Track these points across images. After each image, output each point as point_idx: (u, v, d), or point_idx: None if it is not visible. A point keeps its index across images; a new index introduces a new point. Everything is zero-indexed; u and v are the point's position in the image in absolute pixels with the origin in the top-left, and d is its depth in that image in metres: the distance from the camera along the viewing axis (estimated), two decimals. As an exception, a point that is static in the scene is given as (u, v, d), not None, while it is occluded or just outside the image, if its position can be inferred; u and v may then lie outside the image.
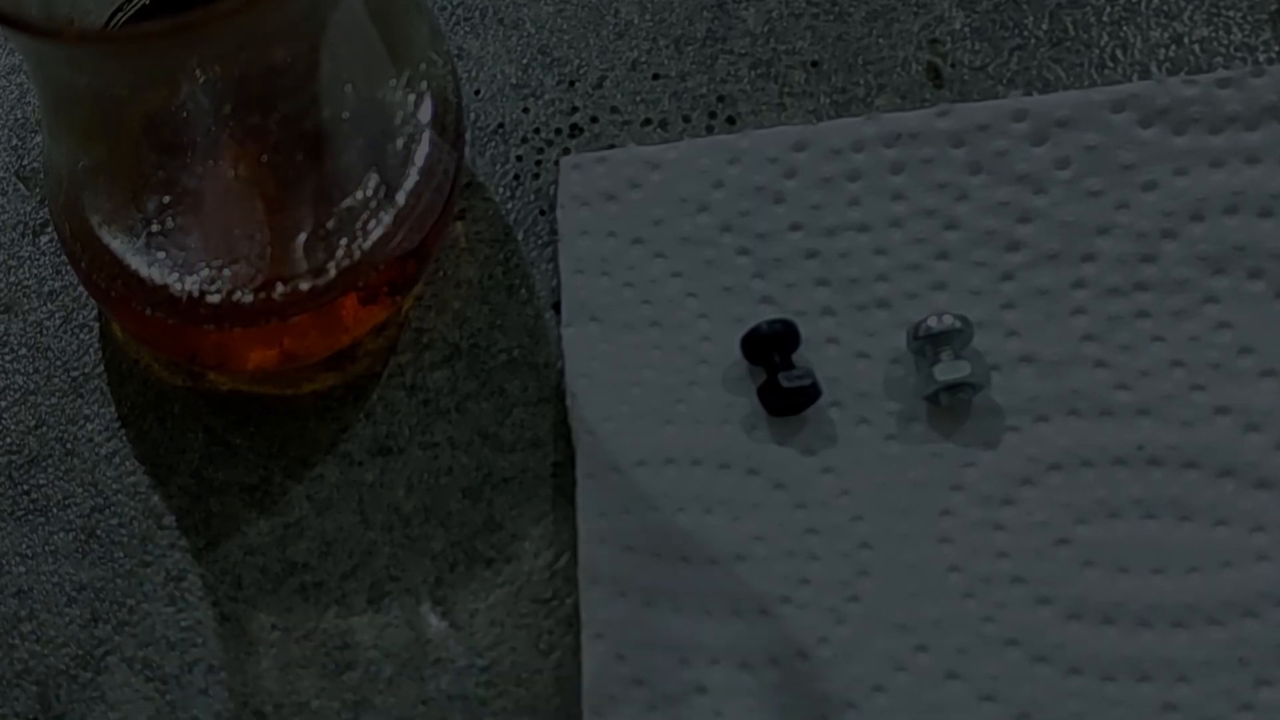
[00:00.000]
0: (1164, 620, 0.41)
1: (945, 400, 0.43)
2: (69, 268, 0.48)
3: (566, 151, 0.48)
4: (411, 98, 0.44)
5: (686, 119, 0.48)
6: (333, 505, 0.45)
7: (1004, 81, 0.47)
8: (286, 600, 0.45)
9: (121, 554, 0.46)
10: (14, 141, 0.50)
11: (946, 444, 0.43)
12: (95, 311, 0.48)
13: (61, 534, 0.46)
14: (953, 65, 0.47)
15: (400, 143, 0.44)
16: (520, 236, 0.47)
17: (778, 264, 0.45)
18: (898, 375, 0.44)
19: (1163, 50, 0.46)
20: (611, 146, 0.48)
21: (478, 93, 0.49)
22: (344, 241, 0.43)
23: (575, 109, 0.48)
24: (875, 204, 0.45)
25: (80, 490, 0.46)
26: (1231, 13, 0.46)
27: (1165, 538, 0.41)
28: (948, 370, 0.43)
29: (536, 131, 0.48)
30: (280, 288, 0.43)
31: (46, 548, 0.46)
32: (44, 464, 0.46)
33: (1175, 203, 0.44)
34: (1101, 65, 0.46)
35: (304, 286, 0.43)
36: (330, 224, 0.43)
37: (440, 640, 0.44)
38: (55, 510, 0.46)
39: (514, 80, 0.49)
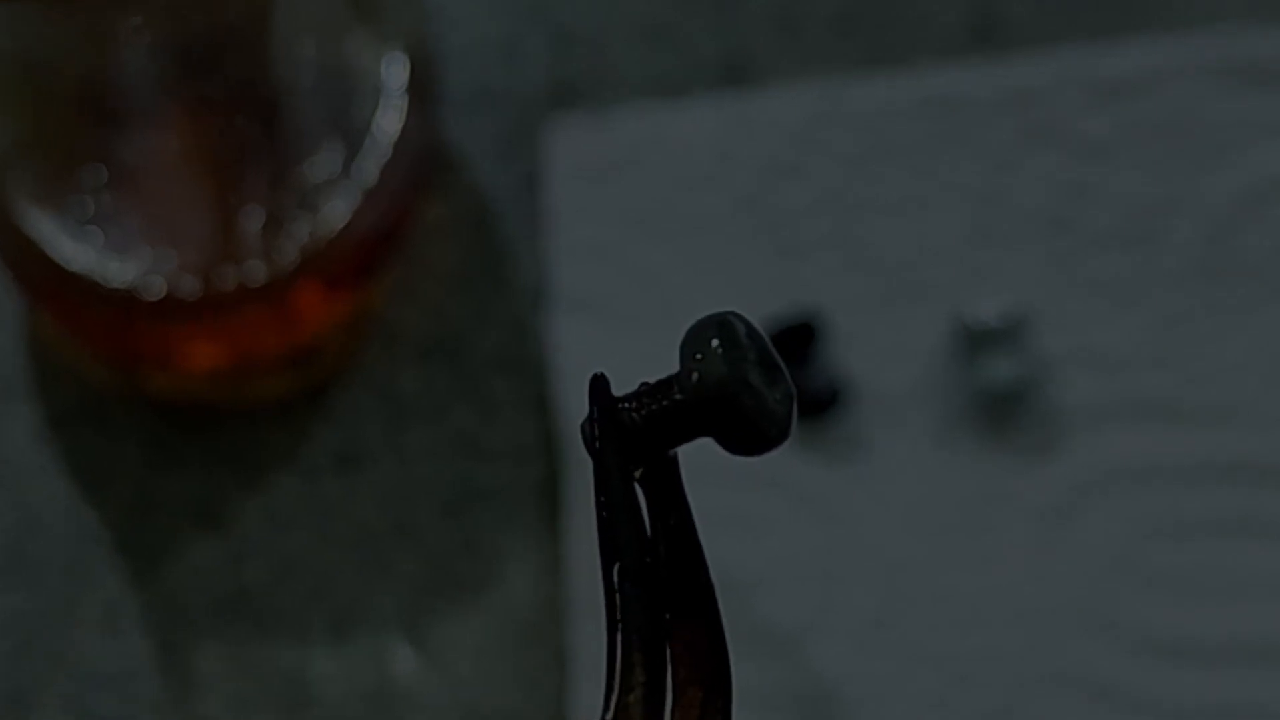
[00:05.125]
0: (1241, 655, 0.41)
1: (991, 404, 0.44)
2: (-10, 255, 0.48)
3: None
4: (379, 59, 0.44)
5: (695, 81, 0.48)
6: (291, 523, 0.46)
7: (1059, 35, 0.47)
8: (237, 632, 0.45)
9: (52, 579, 0.46)
10: (-69, 113, 0.52)
11: (992, 453, 0.43)
12: (19, 305, 0.48)
13: (-16, 556, 0.47)
14: (1000, 16, 0.48)
15: (367, 110, 0.44)
16: (504, 217, 0.48)
17: (799, 248, 0.45)
18: (937, 375, 0.44)
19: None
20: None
21: (455, 52, 0.49)
22: (303, 223, 0.44)
23: (568, 71, 0.49)
24: (910, 178, 0.46)
25: (5, 507, 0.46)
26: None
27: (1242, 560, 0.42)
28: (994, 370, 0.43)
29: (523, 97, 0.48)
30: (231, 276, 0.43)
31: (-33, 572, 0.46)
32: (-37, 478, 0.47)
33: (1255, 175, 0.44)
34: (1171, 12, 0.47)
35: (258, 274, 0.43)
36: (287, 203, 0.43)
37: (411, 677, 0.44)
38: (-23, 530, 0.47)
39: (497, 38, 0.49)
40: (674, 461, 0.27)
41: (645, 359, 0.45)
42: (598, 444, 0.25)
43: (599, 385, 0.26)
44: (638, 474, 0.26)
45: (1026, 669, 0.41)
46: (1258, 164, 0.44)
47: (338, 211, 0.44)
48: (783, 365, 0.27)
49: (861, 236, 0.45)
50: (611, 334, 0.45)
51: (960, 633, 0.42)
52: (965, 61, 0.47)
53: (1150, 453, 0.43)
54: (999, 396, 0.43)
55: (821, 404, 0.44)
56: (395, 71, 0.44)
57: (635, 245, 0.46)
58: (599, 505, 0.25)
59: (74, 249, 0.44)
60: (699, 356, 0.26)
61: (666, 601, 0.26)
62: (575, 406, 0.44)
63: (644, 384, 0.26)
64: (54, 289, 0.44)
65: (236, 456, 0.46)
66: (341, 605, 0.45)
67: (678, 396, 0.26)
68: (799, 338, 0.44)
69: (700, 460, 0.44)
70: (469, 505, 0.45)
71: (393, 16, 0.45)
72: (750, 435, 0.26)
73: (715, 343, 0.26)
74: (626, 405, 0.26)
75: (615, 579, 0.25)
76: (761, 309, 0.45)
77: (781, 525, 0.43)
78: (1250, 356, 0.43)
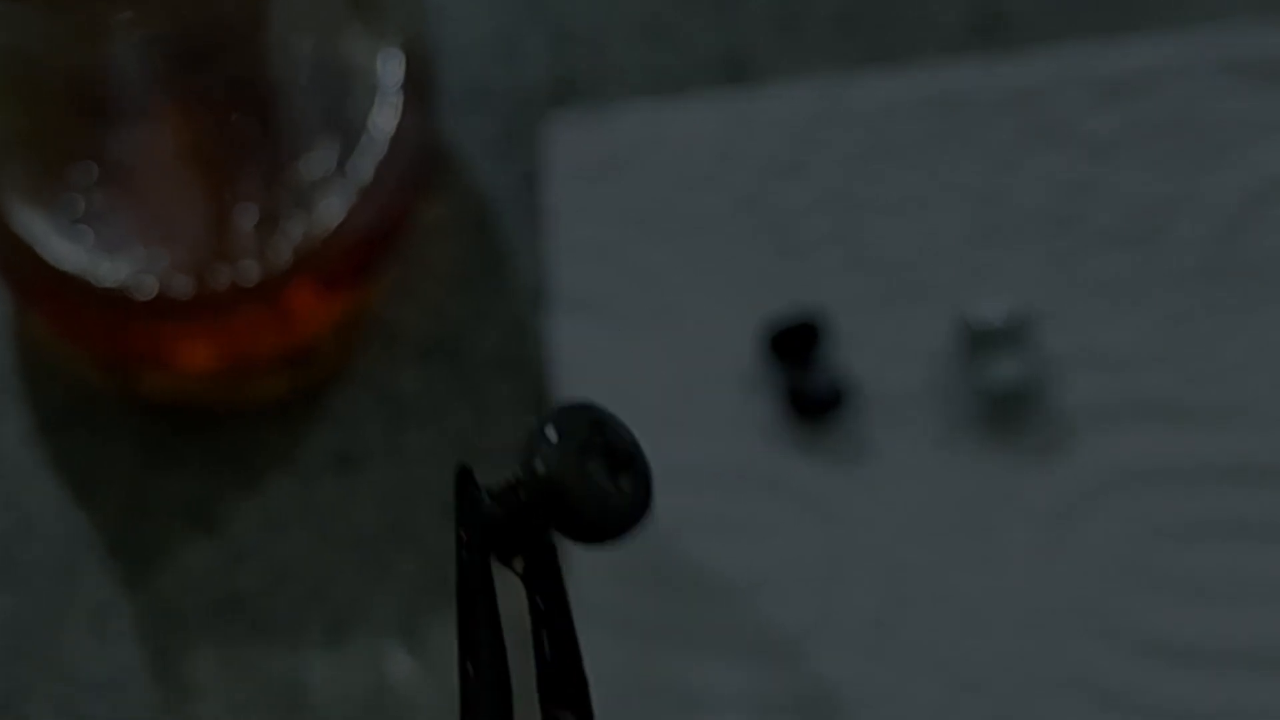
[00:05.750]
0: (1250, 659, 0.41)
1: (995, 405, 0.44)
2: (-21, 253, 0.49)
3: (557, 118, 0.48)
4: (376, 55, 0.44)
5: (696, 79, 0.48)
6: (287, 526, 0.46)
7: (1061, 33, 0.47)
8: (233, 636, 0.45)
9: (43, 581, 0.46)
10: (-81, 109, 0.52)
11: (996, 454, 0.43)
12: (10, 305, 0.48)
13: (-26, 559, 0.47)
14: (1002, 14, 0.47)
15: (363, 108, 0.44)
16: (503, 216, 0.48)
17: (800, 247, 0.45)
18: (940, 376, 0.44)
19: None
20: (609, 111, 0.48)
21: (453, 49, 0.49)
22: (298, 221, 0.43)
23: (567, 68, 0.49)
24: (913, 177, 0.45)
25: (-5, 509, 0.47)
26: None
27: (1250, 562, 0.42)
28: (998, 370, 0.43)
29: (522, 94, 0.48)
30: (225, 275, 0.43)
31: (-44, 575, 0.47)
32: (-48, 479, 0.47)
33: (1261, 174, 0.44)
34: (1175, 9, 0.47)
35: (252, 274, 0.43)
36: (282, 201, 0.43)
37: (409, 683, 0.44)
38: (-34, 532, 0.47)
39: (495, 34, 0.49)
40: (552, 552, 0.27)
41: (645, 360, 0.46)
42: (458, 533, 0.26)
43: (464, 478, 0.27)
44: (520, 567, 0.27)
45: (1032, 673, 0.41)
46: (1263, 162, 0.44)
47: (333, 210, 0.44)
48: (635, 449, 0.27)
49: (863, 236, 0.45)
50: (611, 334, 0.45)
51: (964, 636, 0.42)
52: (968, 59, 0.47)
53: (1156, 453, 0.43)
54: (1002, 397, 0.43)
55: (823, 405, 0.44)
56: (392, 68, 0.44)
57: (635, 245, 0.46)
58: (459, 593, 0.26)
59: (65, 248, 0.44)
60: (536, 452, 0.26)
61: (546, 690, 0.27)
62: None
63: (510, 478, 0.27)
64: (45, 289, 0.44)
65: (232, 458, 0.46)
66: (339, 609, 0.45)
67: (521, 495, 0.27)
68: (801, 338, 0.44)
69: (701, 462, 0.44)
70: (467, 508, 0.45)
71: (390, 12, 0.45)
72: (587, 529, 0.26)
73: (552, 436, 0.26)
74: (486, 500, 0.27)
75: (469, 667, 0.26)
76: (763, 309, 0.45)
77: (784, 527, 0.43)
78: (1256, 356, 0.43)
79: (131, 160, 0.44)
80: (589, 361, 0.45)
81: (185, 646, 0.45)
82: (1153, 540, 0.42)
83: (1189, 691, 0.41)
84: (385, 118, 0.44)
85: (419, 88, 0.45)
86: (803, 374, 0.44)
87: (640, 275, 0.46)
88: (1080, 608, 0.42)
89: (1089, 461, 0.43)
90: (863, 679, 0.42)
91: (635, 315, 0.45)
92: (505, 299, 0.47)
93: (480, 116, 0.48)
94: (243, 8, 0.41)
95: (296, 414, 0.46)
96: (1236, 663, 0.41)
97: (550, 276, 0.46)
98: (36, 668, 0.45)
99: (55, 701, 0.45)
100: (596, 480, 0.27)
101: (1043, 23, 0.47)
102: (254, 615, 0.45)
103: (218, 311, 0.43)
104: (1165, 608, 0.41)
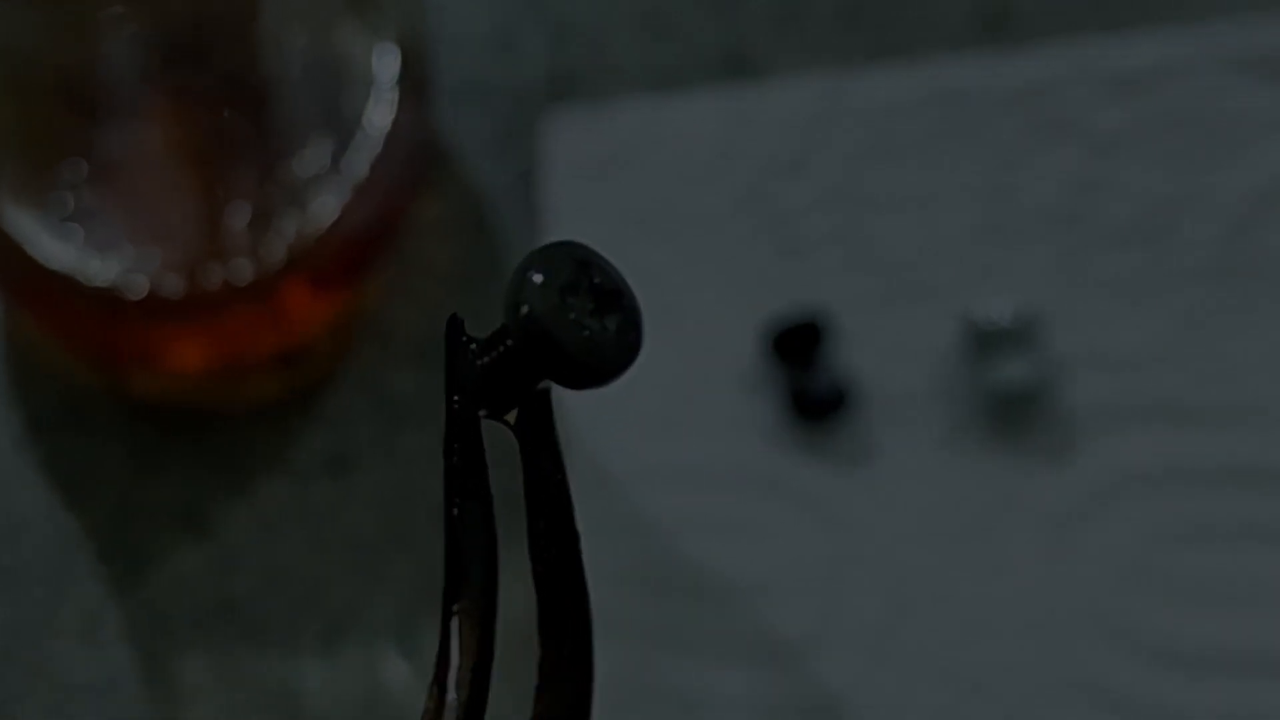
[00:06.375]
0: (1263, 665, 0.41)
1: (1002, 406, 0.44)
2: (-32, 252, 0.49)
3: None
4: (371, 50, 0.45)
5: (696, 74, 0.48)
6: (280, 530, 0.46)
7: (1070, 27, 0.47)
8: (224, 642, 0.45)
9: (33, 586, 0.46)
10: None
11: (1003, 457, 0.43)
12: None
13: (-38, 564, 0.47)
14: (1010, 8, 0.48)
15: (357, 103, 0.44)
16: (501, 214, 0.48)
17: (803, 246, 0.45)
18: (945, 377, 0.44)
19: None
20: (607, 108, 0.48)
21: (449, 43, 0.49)
22: (291, 219, 0.44)
23: (565, 63, 0.49)
24: (918, 174, 0.46)
25: (-17, 513, 0.47)
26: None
27: (1263, 567, 0.42)
28: (1005, 371, 0.43)
29: (519, 90, 0.49)
30: (216, 274, 0.43)
31: (-55, 579, 0.46)
32: (-59, 482, 0.47)
33: (1273, 170, 0.44)
34: (1186, 3, 0.47)
35: (244, 273, 0.43)
36: (275, 199, 0.44)
37: (405, 689, 0.44)
38: (-45, 536, 0.47)
39: (492, 28, 0.49)
40: (546, 404, 0.27)
41: (645, 360, 0.45)
42: (448, 385, 0.26)
43: (453, 329, 0.27)
44: (510, 418, 0.27)
45: (1039, 679, 0.41)
46: (1273, 160, 0.44)
47: (327, 208, 0.44)
48: (624, 288, 0.27)
49: (867, 234, 0.45)
50: None
51: (970, 641, 0.42)
52: (973, 55, 0.47)
53: (1166, 456, 0.43)
54: (1009, 399, 0.43)
55: (826, 406, 0.44)
56: (387, 63, 0.45)
57: (635, 243, 0.46)
58: (446, 449, 0.26)
59: (54, 247, 0.44)
60: (520, 294, 0.26)
61: (537, 545, 0.27)
62: (572, 410, 0.44)
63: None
64: (34, 288, 0.44)
65: (223, 461, 0.46)
66: (333, 613, 0.45)
67: (509, 340, 0.26)
68: (803, 338, 0.44)
69: (701, 464, 0.44)
70: (463, 511, 0.45)
71: (385, 6, 0.45)
72: (577, 371, 0.26)
73: (536, 277, 0.26)
74: (473, 349, 0.27)
75: (455, 510, 0.26)
76: (764, 309, 0.45)
77: (785, 530, 0.43)
78: (1269, 356, 0.43)
79: (122, 157, 0.44)
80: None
81: (177, 652, 0.45)
82: (1162, 543, 0.42)
83: (1198, 697, 0.41)
84: (380, 114, 0.44)
85: (415, 83, 0.45)
86: (805, 375, 0.44)
87: (640, 275, 0.45)
88: (1088, 612, 0.42)
89: (1096, 463, 0.43)
90: (866, 684, 0.42)
91: (634, 315, 0.46)
92: (502, 298, 0.47)
93: (477, 113, 0.48)
94: (234, 2, 0.42)
95: (290, 415, 0.46)
96: (1247, 668, 0.41)
97: (548, 275, 0.46)
98: (26, 673, 0.45)
99: (46, 707, 0.45)
100: (583, 320, 0.26)
101: (1049, 18, 0.47)
102: (247, 620, 0.45)
103: (210, 311, 0.44)
104: (1174, 612, 0.41)
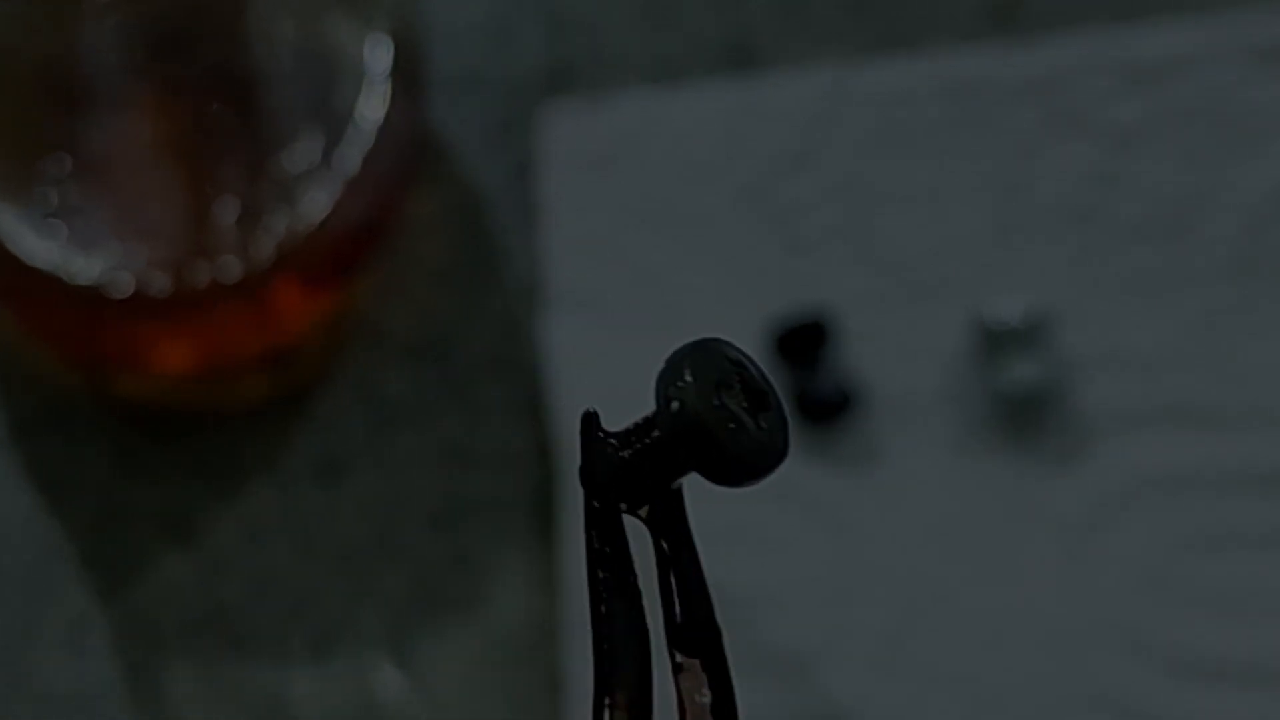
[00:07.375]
0: None
1: (1013, 409, 0.44)
2: (-53, 250, 0.49)
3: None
4: (362, 41, 0.45)
5: (698, 65, 0.48)
6: (268, 536, 0.46)
7: (1085, 17, 0.48)
8: (211, 651, 0.45)
9: (13, 594, 0.46)
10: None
11: (1014, 461, 0.44)
12: None
13: (-58, 571, 0.46)
14: None
15: (349, 96, 0.45)
16: (496, 210, 0.48)
17: (807, 242, 0.45)
18: (955, 378, 0.44)
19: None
20: (606, 100, 0.49)
21: (443, 34, 0.49)
22: (281, 216, 0.44)
23: (563, 54, 0.49)
24: (927, 169, 0.45)
25: (-37, 518, 0.46)
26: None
27: None
28: (1016, 373, 0.43)
29: (515, 82, 0.49)
30: (204, 272, 0.44)
31: (-76, 587, 0.46)
32: (-80, 486, 0.48)
33: None
34: None
35: (233, 271, 0.44)
36: (264, 195, 0.44)
37: (396, 699, 0.44)
38: (-66, 542, 0.46)
39: (488, 19, 0.50)
40: (679, 499, 0.28)
41: (644, 361, 0.44)
42: (584, 481, 0.27)
43: (589, 423, 0.27)
44: (643, 512, 0.28)
45: (1053, 690, 0.41)
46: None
47: (318, 203, 0.44)
48: (772, 389, 0.27)
49: (873, 231, 0.45)
50: (609, 335, 0.45)
51: (982, 652, 0.42)
52: (984, 45, 0.47)
53: (1183, 460, 0.43)
54: (1021, 401, 0.43)
55: (832, 409, 0.44)
56: (379, 55, 0.45)
57: (634, 240, 0.46)
58: (589, 542, 0.27)
59: (37, 244, 0.44)
60: (673, 389, 0.27)
61: (676, 638, 0.28)
62: (571, 411, 0.44)
63: (634, 422, 0.28)
64: (15, 286, 0.44)
65: (210, 465, 0.46)
66: (323, 623, 0.45)
67: (656, 434, 0.27)
68: (807, 338, 0.44)
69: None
70: (457, 517, 0.46)
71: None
72: (732, 467, 0.27)
73: (689, 374, 0.27)
74: (613, 443, 0.27)
75: (603, 609, 0.27)
76: (767, 308, 0.45)
77: (792, 538, 0.43)
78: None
79: (106, 152, 0.44)
80: (585, 362, 0.45)
81: (163, 662, 0.45)
82: (1179, 551, 0.42)
83: (1217, 708, 0.41)
84: (372, 107, 0.45)
85: (408, 75, 0.45)
86: (809, 376, 0.44)
87: (639, 272, 0.46)
88: (1104, 621, 0.42)
89: (1111, 468, 0.43)
90: (875, 697, 0.42)
91: (634, 314, 0.45)
92: (498, 297, 0.47)
93: (472, 105, 0.48)
94: (223, -9, 0.42)
95: (278, 418, 0.47)
96: (1267, 678, 0.41)
97: (545, 274, 0.46)
98: (8, 683, 0.45)
99: (28, 718, 0.45)
100: (737, 416, 0.27)
101: (1063, 6, 0.47)
102: (234, 629, 0.45)
103: (197, 310, 0.44)
104: (1192, 621, 0.41)
